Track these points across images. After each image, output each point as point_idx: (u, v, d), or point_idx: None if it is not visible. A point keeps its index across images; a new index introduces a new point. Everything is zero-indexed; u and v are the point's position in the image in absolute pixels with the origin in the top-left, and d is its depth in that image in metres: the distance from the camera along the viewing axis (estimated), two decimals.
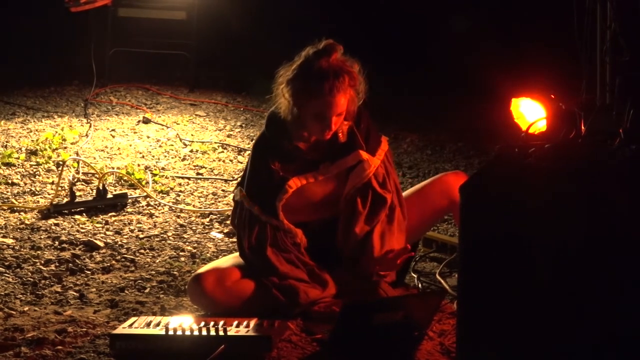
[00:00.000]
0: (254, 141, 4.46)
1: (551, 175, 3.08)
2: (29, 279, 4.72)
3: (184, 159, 6.52)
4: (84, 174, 6.13)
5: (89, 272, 4.82)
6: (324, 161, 4.29)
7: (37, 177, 6.15)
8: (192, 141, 6.85)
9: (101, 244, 5.14)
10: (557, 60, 5.75)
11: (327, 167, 4.29)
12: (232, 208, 4.55)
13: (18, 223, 5.42)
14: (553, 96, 3.86)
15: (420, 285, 4.67)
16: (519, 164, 3.17)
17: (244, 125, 7.28)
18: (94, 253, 5.04)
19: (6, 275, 4.75)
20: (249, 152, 4.70)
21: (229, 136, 7.02)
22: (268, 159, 4.28)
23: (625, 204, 2.93)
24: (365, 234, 4.26)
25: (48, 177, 6.13)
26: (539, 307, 2.94)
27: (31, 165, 6.32)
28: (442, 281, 4.67)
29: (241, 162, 6.43)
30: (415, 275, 4.72)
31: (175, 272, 4.81)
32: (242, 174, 4.59)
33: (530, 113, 4.59)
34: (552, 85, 4.30)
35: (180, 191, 5.98)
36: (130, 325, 3.98)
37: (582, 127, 3.39)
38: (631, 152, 3.22)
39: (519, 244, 2.94)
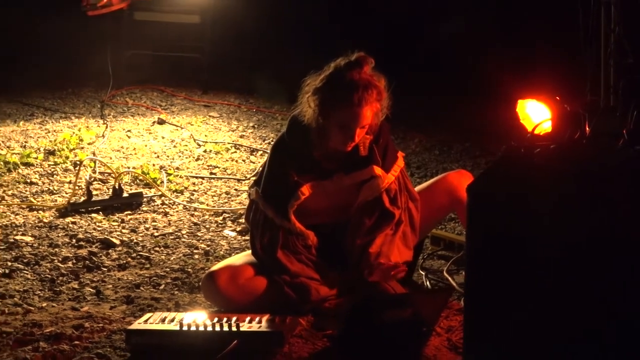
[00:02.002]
0: (273, 143, 4.46)
1: (556, 176, 3.07)
2: (47, 275, 4.73)
3: (197, 159, 6.53)
4: (100, 173, 6.14)
5: (105, 269, 4.83)
6: (339, 172, 4.29)
7: (55, 176, 6.16)
8: (206, 141, 6.86)
9: (117, 242, 5.15)
10: (562, 62, 5.73)
11: (340, 178, 4.29)
12: (245, 207, 4.56)
13: (36, 221, 5.43)
14: (558, 98, 3.85)
15: (428, 283, 4.67)
16: (525, 164, 3.17)
17: (256, 126, 7.28)
18: (110, 250, 5.05)
19: (25, 272, 4.76)
20: (267, 153, 4.70)
21: (241, 137, 7.03)
22: (285, 163, 4.28)
23: (628, 205, 2.93)
24: (366, 243, 4.25)
25: (65, 177, 6.14)
26: (544, 305, 2.94)
27: (49, 165, 6.32)
28: (450, 278, 4.67)
29: (253, 162, 6.44)
30: (423, 273, 4.73)
31: (189, 270, 4.82)
32: (258, 172, 4.59)
33: (535, 114, 4.57)
34: (557, 87, 4.29)
35: (194, 190, 5.99)
36: (146, 321, 3.98)
37: (587, 128, 3.38)
38: (635, 152, 3.21)
39: (525, 243, 2.93)
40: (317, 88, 4.18)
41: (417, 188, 4.54)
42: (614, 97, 4.52)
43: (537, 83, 4.74)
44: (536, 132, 3.48)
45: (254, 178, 5.02)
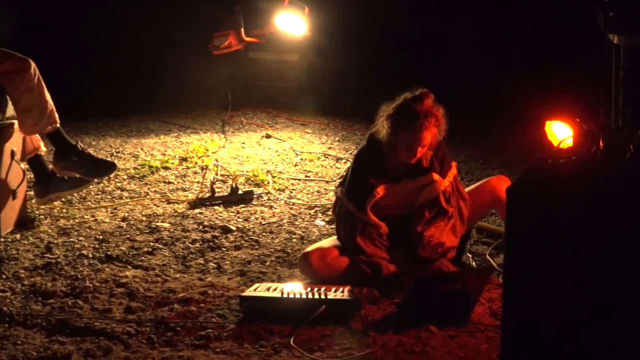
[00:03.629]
0: (355, 153, 4.48)
1: (577, 181, 3.04)
2: (180, 253, 4.78)
3: (295, 165, 6.54)
4: (221, 175, 6.17)
5: (224, 249, 4.87)
6: (406, 177, 4.31)
7: (186, 177, 6.21)
8: (302, 152, 6.86)
9: (234, 228, 5.17)
10: (581, 91, 5.66)
11: (407, 182, 4.32)
12: (333, 202, 4.58)
13: (172, 212, 5.48)
14: (578, 120, 3.80)
15: (474, 263, 4.64)
16: (552, 172, 3.13)
17: (341, 140, 7.27)
18: (228, 235, 5.08)
19: (163, 250, 4.82)
20: (350, 161, 4.72)
21: (329, 148, 7.02)
22: (364, 170, 4.31)
23: (634, 203, 2.89)
24: (423, 230, 4.27)
25: (195, 178, 6.18)
26: (566, 280, 2.91)
27: (182, 169, 6.37)
28: (491, 260, 4.63)
29: (339, 168, 6.43)
30: (470, 256, 4.69)
31: (288, 250, 4.84)
32: (343, 176, 4.60)
33: (560, 132, 4.53)
34: (577, 111, 4.24)
35: (293, 189, 5.99)
36: (255, 289, 4.02)
37: (601, 144, 3.33)
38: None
39: (552, 233, 2.90)
40: (389, 114, 4.22)
41: (466, 189, 4.52)
42: (622, 120, 4.47)
43: (561, 108, 4.70)
44: (560, 146, 3.44)
45: (339, 180, 5.01)
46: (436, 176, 4.30)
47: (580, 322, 2.91)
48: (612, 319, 2.88)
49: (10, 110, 5.04)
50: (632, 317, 2.85)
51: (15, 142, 5.08)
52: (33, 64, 4.95)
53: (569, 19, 6.85)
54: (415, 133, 4.16)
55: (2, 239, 4.89)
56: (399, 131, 4.19)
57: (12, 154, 5.05)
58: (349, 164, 4.98)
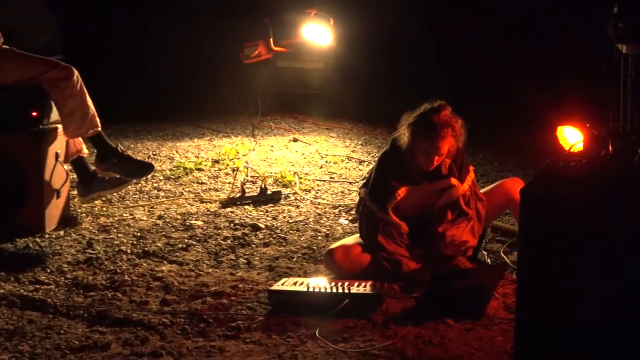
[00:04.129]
0: (379, 156, 4.45)
1: (587, 183, 3.01)
2: (213, 249, 4.77)
3: (321, 167, 6.53)
4: (251, 176, 6.17)
5: (254, 246, 4.85)
6: (425, 181, 4.29)
7: (218, 178, 6.21)
8: (327, 154, 6.85)
9: (262, 226, 5.16)
10: (591, 97, 5.61)
11: (426, 186, 4.29)
12: (356, 202, 4.57)
13: (205, 210, 5.48)
14: (588, 125, 3.77)
15: (489, 260, 4.60)
16: (564, 174, 3.10)
17: (363, 144, 7.26)
18: (257, 232, 5.06)
19: (197, 247, 4.81)
20: (373, 164, 4.71)
21: (352, 151, 7.01)
22: (386, 173, 4.28)
23: None
24: (445, 231, 4.25)
25: (226, 179, 6.18)
26: (575, 275, 2.88)
27: (215, 170, 6.38)
28: (505, 257, 4.59)
29: (362, 170, 6.41)
30: (485, 253, 4.65)
31: (314, 247, 4.81)
32: (366, 178, 4.58)
33: (570, 137, 4.49)
34: (587, 116, 4.20)
35: (318, 190, 5.98)
36: (282, 284, 4.00)
37: (610, 148, 3.30)
38: None
39: (563, 231, 2.87)
40: (410, 123, 4.21)
41: (482, 190, 4.49)
42: (630, 125, 4.43)
43: (572, 113, 4.65)
44: (571, 150, 3.40)
45: (362, 181, 5.00)
46: (454, 181, 4.28)
47: (589, 314, 2.89)
48: (620, 317, 2.85)
49: (54, 115, 5.06)
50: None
51: (59, 145, 5.10)
52: (76, 72, 4.97)
53: (581, 28, 6.80)
54: (432, 142, 4.15)
55: (46, 236, 4.91)
56: (418, 139, 4.18)
57: (57, 156, 5.06)
58: (371, 166, 4.98)
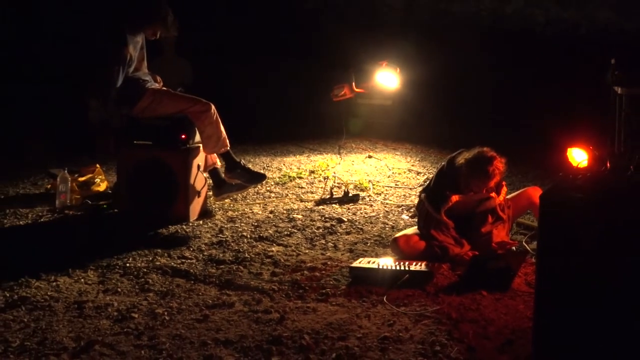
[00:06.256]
0: (437, 170, 4.38)
1: (591, 191, 2.93)
2: (309, 236, 4.78)
3: (388, 177, 6.50)
4: (337, 183, 6.18)
5: (339, 234, 4.85)
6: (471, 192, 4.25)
7: (314, 184, 6.24)
8: (393, 167, 6.83)
9: (345, 220, 5.16)
10: (595, 125, 5.46)
11: (472, 196, 4.24)
12: (415, 203, 4.55)
13: (304, 207, 5.50)
14: (591, 147, 3.67)
15: (514, 248, 4.52)
16: (573, 185, 3.03)
17: (420, 160, 7.21)
18: (341, 224, 5.06)
19: (297, 234, 4.83)
20: (427, 174, 4.68)
21: (412, 165, 6.96)
22: (443, 184, 4.24)
23: (635, 207, 2.77)
24: (488, 232, 4.22)
25: (319, 184, 6.20)
26: (582, 262, 2.79)
27: (311, 178, 6.41)
28: (526, 246, 4.49)
29: (419, 179, 6.35)
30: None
31: (383, 236, 4.79)
32: (426, 185, 4.53)
33: (578, 156, 4.37)
34: (591, 140, 4.09)
35: (387, 193, 5.96)
36: (360, 262, 3.99)
37: (608, 165, 3.21)
38: (638, 179, 3.05)
39: (573, 228, 2.79)
40: (468, 162, 4.11)
41: (509, 196, 4.42)
42: (624, 147, 4.30)
43: (579, 138, 4.55)
44: (578, 166, 3.33)
45: (420, 187, 4.97)
46: (493, 194, 4.25)
47: (594, 287, 2.79)
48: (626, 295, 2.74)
49: (197, 137, 5.15)
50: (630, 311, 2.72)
51: (200, 159, 5.19)
52: (213, 107, 5.04)
53: (589, 74, 6.65)
54: (484, 183, 4.12)
55: (190, 224, 5.00)
56: (472, 178, 4.12)
57: (198, 167, 5.16)
58: (427, 176, 4.93)
